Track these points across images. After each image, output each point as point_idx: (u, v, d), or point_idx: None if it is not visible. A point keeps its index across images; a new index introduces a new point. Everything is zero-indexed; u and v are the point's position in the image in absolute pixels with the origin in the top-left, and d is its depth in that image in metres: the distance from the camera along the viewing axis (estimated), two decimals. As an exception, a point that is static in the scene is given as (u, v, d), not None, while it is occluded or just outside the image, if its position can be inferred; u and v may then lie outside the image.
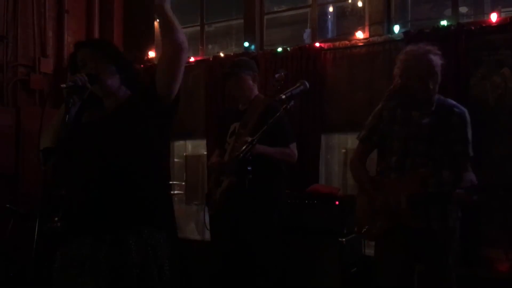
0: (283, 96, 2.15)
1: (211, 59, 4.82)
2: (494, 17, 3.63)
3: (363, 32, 4.24)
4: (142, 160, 1.83)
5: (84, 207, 1.81)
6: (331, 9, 4.97)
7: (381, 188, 2.41)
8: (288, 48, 4.40)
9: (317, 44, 4.31)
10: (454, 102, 2.44)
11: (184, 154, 5.66)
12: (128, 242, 1.74)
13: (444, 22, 3.75)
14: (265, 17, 4.90)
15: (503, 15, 3.71)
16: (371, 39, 4.16)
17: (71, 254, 1.79)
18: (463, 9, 4.27)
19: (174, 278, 1.83)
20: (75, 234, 1.82)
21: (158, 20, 1.92)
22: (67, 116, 1.72)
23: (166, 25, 1.83)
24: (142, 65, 5.09)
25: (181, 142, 5.53)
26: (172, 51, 1.83)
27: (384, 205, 2.38)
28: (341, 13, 4.97)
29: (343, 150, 4.75)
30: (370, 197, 2.45)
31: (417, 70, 2.36)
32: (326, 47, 4.31)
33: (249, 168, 2.10)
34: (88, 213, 1.80)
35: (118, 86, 1.90)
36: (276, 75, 2.90)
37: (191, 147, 5.73)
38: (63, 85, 1.74)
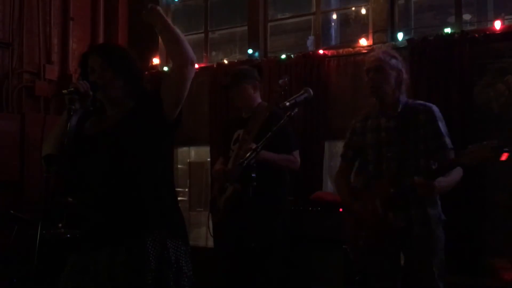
0: (287, 103, 2.16)
1: (215, 66, 4.84)
2: (498, 24, 3.63)
3: (367, 39, 4.25)
4: (147, 169, 1.84)
5: (95, 214, 1.82)
6: (334, 16, 4.99)
7: (360, 198, 2.43)
8: (292, 55, 4.41)
9: (321, 51, 4.33)
10: (421, 102, 2.45)
11: (188, 161, 5.67)
12: (147, 248, 1.75)
13: (447, 30, 3.76)
14: (269, 24, 4.92)
15: (506, 22, 3.72)
16: (374, 46, 4.17)
17: (86, 260, 1.79)
18: (466, 17, 4.28)
19: (189, 282, 1.83)
20: (88, 243, 1.82)
21: (160, 35, 1.91)
22: (69, 123, 1.71)
23: (169, 37, 1.82)
24: (146, 72, 5.11)
25: (185, 149, 5.53)
26: (180, 66, 1.83)
27: (364, 215, 2.38)
28: (344, 20, 4.99)
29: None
30: (350, 209, 2.48)
31: (367, 66, 2.43)
32: (329, 54, 4.32)
33: (253, 175, 2.10)
34: (100, 220, 1.80)
35: (123, 97, 1.90)
36: (280, 81, 2.92)
37: (194, 154, 5.73)
38: (65, 91, 1.74)
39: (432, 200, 2.36)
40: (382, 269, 2.41)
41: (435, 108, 2.40)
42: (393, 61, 2.42)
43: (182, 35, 1.85)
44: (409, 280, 2.34)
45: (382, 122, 2.43)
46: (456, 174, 2.24)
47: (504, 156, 1.93)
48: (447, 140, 2.35)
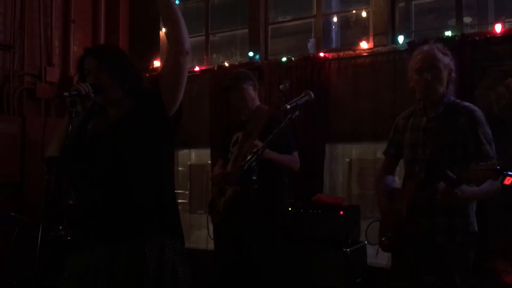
0: (288, 106, 2.15)
1: (215, 68, 4.85)
2: (498, 27, 3.64)
3: (368, 42, 4.26)
4: (147, 169, 1.84)
5: (94, 217, 1.81)
6: (335, 19, 4.98)
7: (394, 198, 2.39)
8: (293, 58, 4.42)
9: (322, 54, 4.33)
10: (466, 104, 2.31)
11: (188, 163, 5.67)
12: (144, 250, 1.75)
13: (448, 33, 3.77)
14: (270, 27, 4.93)
15: (507, 25, 3.72)
16: (375, 49, 4.18)
17: (86, 263, 1.79)
18: (467, 19, 4.28)
19: (186, 284, 1.83)
20: (87, 244, 1.81)
21: (161, 12, 1.86)
22: (70, 125, 1.72)
23: (172, 20, 1.81)
24: (147, 74, 5.12)
25: (185, 151, 5.53)
26: (175, 54, 1.83)
27: (392, 215, 2.36)
28: (345, 23, 4.99)
29: (347, 160, 4.74)
30: (380, 208, 2.46)
31: (414, 63, 2.33)
32: (330, 57, 4.32)
33: (254, 177, 2.10)
34: (99, 223, 1.80)
35: (122, 97, 1.90)
36: (281, 86, 2.93)
37: (195, 156, 5.74)
38: (66, 94, 1.73)
39: (462, 210, 2.24)
40: (403, 271, 2.36)
41: (477, 112, 2.27)
42: (446, 59, 2.31)
43: (182, 19, 1.83)
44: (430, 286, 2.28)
45: (422, 122, 2.35)
46: (488, 184, 2.05)
47: (508, 181, 1.85)
48: (487, 148, 2.21)
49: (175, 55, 1.84)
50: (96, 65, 1.86)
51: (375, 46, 4.20)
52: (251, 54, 4.78)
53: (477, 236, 2.29)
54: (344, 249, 3.47)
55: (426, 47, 2.36)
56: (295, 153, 3.09)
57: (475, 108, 2.30)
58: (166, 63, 1.91)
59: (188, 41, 1.84)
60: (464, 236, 2.25)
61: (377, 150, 4.19)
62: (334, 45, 4.88)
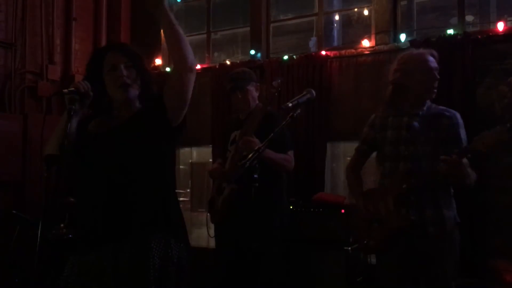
0: (290, 105, 2.16)
1: (217, 66, 4.85)
2: (500, 26, 3.63)
3: (369, 40, 4.25)
4: (150, 170, 1.84)
5: (97, 216, 1.81)
6: (337, 17, 4.99)
7: (372, 197, 2.41)
8: (294, 56, 4.42)
9: (323, 52, 4.33)
10: (444, 107, 2.45)
11: (190, 161, 5.67)
12: (150, 246, 1.76)
13: (450, 31, 3.76)
14: (271, 25, 4.92)
15: (509, 24, 3.72)
16: (377, 47, 4.17)
17: (89, 261, 1.79)
18: (469, 18, 4.27)
19: (188, 283, 1.84)
20: (91, 243, 1.81)
21: (164, 32, 1.88)
22: (68, 124, 1.72)
23: (172, 35, 1.81)
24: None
25: (187, 149, 5.54)
26: (179, 71, 1.83)
27: (376, 214, 2.36)
28: (347, 21, 4.99)
29: (349, 158, 4.74)
30: (361, 207, 2.45)
31: (435, 64, 2.39)
32: (332, 55, 4.32)
33: (255, 176, 2.10)
34: (102, 221, 1.80)
35: (136, 99, 1.93)
36: (273, 82, 2.94)
37: (196, 155, 5.74)
38: (65, 91, 1.74)
39: (448, 201, 2.32)
40: (392, 270, 2.36)
41: (458, 115, 2.40)
42: None
43: (184, 38, 1.84)
44: (421, 280, 2.30)
45: (404, 121, 2.40)
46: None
47: None
48: None
49: (179, 72, 1.84)
50: (126, 62, 1.88)
51: (377, 44, 4.20)
52: (252, 52, 4.78)
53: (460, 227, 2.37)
54: (345, 248, 3.47)
55: (421, 51, 2.47)
56: (290, 152, 3.07)
57: (455, 111, 2.43)
58: (170, 79, 1.90)
59: (192, 57, 1.83)
60: (453, 227, 2.32)
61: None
62: (335, 43, 4.88)
